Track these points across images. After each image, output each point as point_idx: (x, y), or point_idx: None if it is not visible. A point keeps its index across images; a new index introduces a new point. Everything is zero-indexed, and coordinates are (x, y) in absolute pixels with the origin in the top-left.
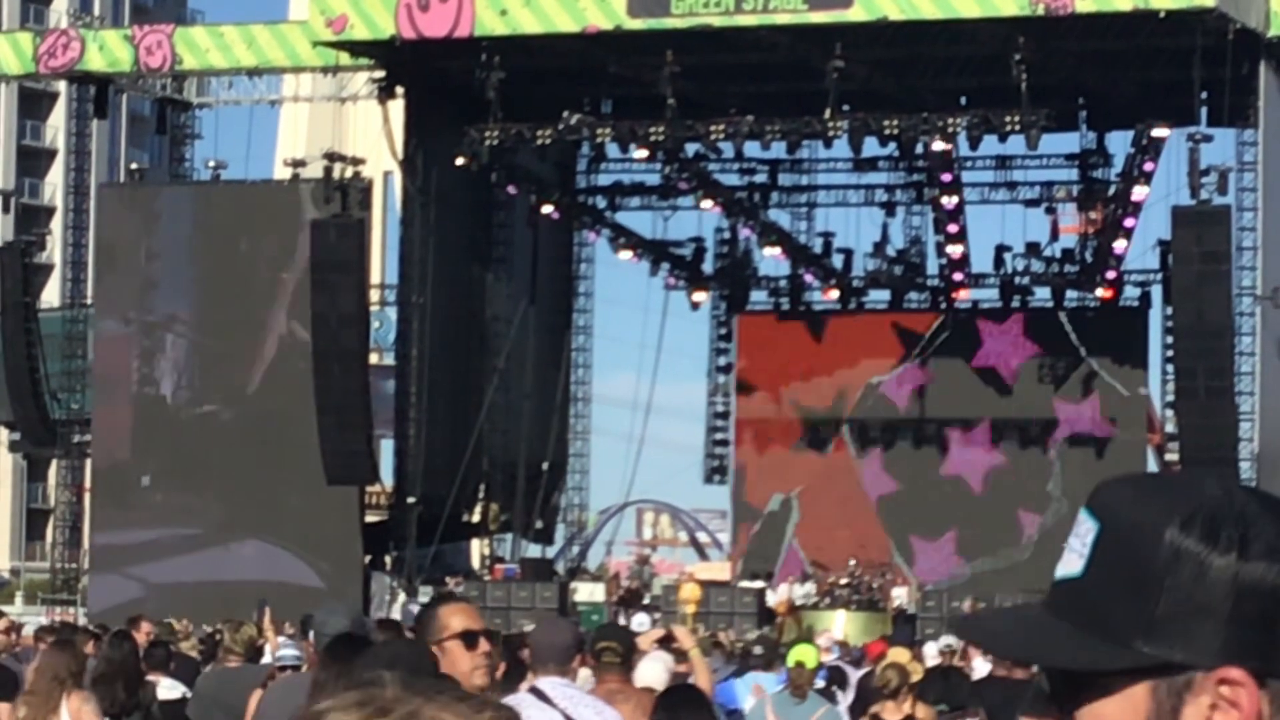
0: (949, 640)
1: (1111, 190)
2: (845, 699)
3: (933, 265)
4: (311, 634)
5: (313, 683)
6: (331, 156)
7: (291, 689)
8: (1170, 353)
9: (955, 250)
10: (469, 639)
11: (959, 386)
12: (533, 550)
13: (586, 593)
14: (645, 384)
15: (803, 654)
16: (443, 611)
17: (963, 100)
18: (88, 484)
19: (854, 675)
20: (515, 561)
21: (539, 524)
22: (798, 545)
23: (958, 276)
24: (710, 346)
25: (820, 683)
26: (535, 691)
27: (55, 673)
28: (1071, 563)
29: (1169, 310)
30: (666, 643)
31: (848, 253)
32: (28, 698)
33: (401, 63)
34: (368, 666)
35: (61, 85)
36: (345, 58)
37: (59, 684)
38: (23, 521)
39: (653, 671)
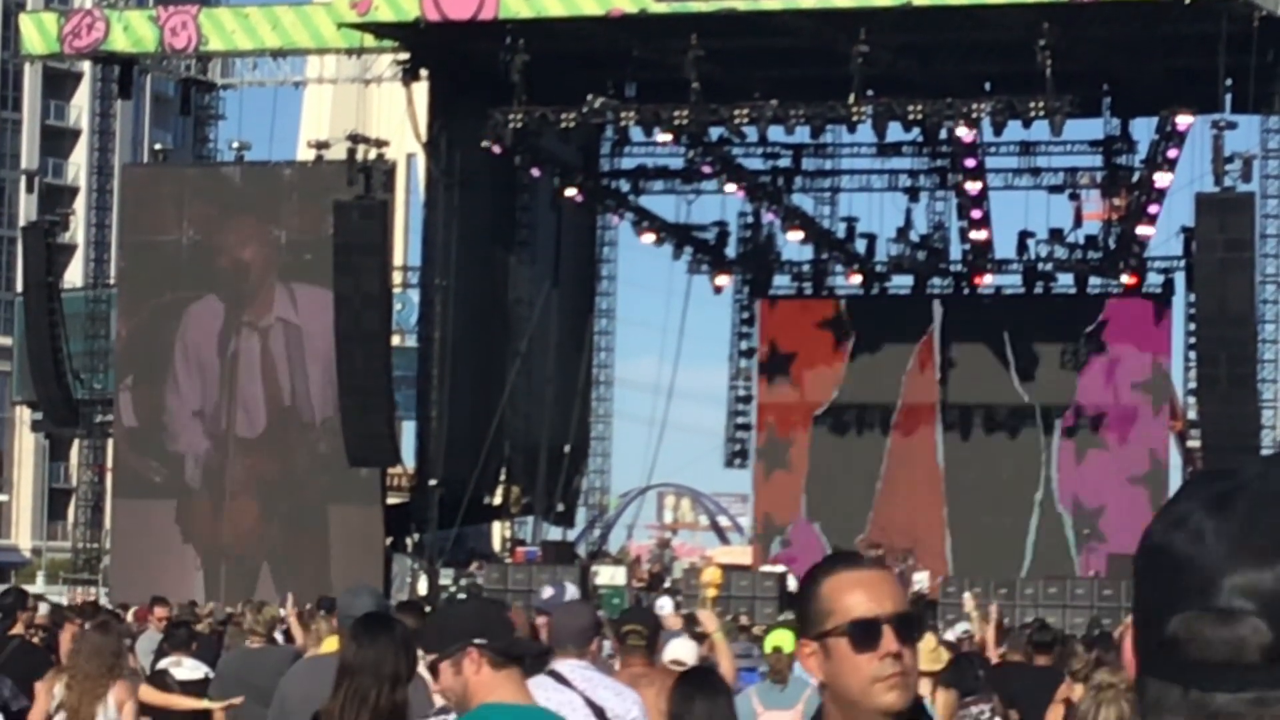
0: (966, 627)
1: (1135, 177)
2: None
3: (956, 251)
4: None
5: (340, 662)
6: (355, 138)
7: (317, 670)
8: (1193, 340)
9: (979, 236)
10: None
11: (981, 372)
12: (554, 533)
13: (608, 576)
14: (667, 368)
15: (779, 639)
16: None
17: (987, 86)
18: (109, 463)
19: None
20: (536, 544)
21: (560, 507)
22: (818, 530)
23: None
24: (733, 331)
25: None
26: (554, 674)
27: (102, 656)
28: None
29: (1192, 297)
30: (690, 626)
31: (871, 238)
32: (72, 680)
33: (426, 45)
34: (450, 625)
35: (86, 66)
36: (369, 39)
37: (106, 668)
38: (44, 501)
39: (683, 647)
